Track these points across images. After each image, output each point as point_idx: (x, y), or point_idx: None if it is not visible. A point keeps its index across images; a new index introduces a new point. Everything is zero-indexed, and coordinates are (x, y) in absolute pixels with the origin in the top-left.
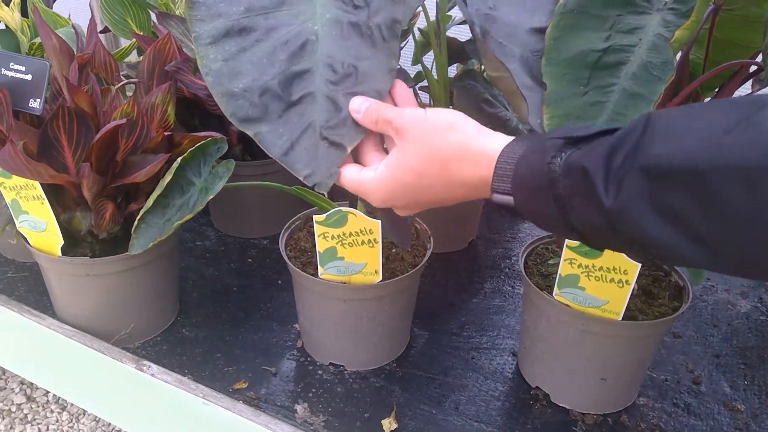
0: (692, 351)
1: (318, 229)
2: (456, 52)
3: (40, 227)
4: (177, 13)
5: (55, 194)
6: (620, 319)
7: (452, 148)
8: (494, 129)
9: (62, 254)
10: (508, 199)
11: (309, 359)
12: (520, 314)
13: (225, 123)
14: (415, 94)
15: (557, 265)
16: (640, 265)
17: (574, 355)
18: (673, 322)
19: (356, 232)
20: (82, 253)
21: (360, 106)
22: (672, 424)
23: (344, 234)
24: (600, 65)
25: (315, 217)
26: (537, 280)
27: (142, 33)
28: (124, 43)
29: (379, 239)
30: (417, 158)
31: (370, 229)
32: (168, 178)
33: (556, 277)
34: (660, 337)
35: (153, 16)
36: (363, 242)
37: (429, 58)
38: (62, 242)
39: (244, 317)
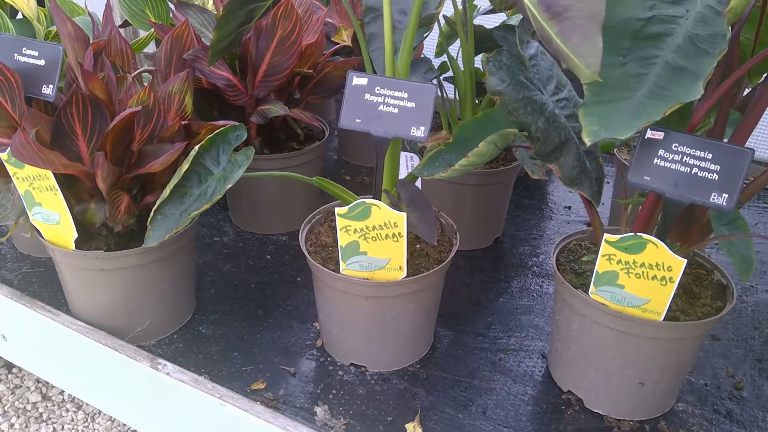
0: (732, 354)
1: (340, 222)
2: (482, 40)
3: (54, 220)
4: (196, 2)
5: (68, 185)
6: (662, 319)
7: None
8: (530, 114)
9: (76, 248)
10: None
11: (329, 359)
12: (551, 314)
13: (245, 115)
14: (440, 86)
15: (591, 262)
16: (685, 261)
17: (611, 358)
18: (716, 322)
19: (380, 226)
20: (96, 246)
21: None
22: (713, 431)
23: (367, 227)
24: (642, 35)
25: (337, 210)
26: (570, 277)
27: (149, 21)
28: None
29: (405, 233)
30: None
31: (394, 222)
32: (185, 166)
33: (590, 275)
34: (702, 339)
35: (172, 8)
36: (387, 236)
37: (453, 49)
38: (76, 235)
39: (262, 315)
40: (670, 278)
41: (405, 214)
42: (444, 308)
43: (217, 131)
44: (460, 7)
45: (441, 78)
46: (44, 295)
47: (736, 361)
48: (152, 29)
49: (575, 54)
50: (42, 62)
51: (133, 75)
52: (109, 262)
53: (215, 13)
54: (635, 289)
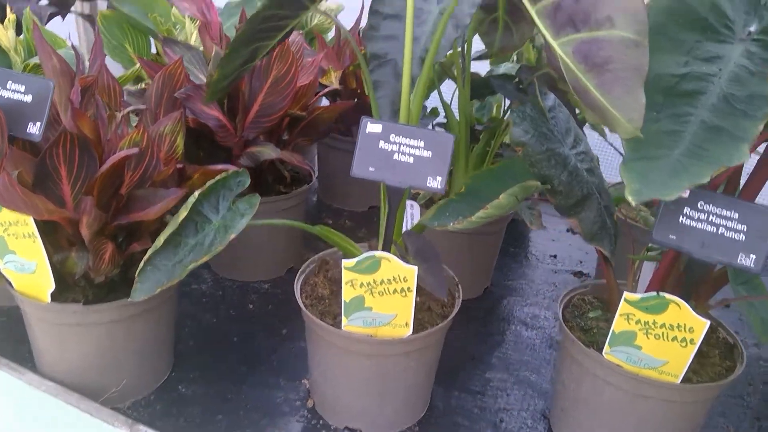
0: (731, 412)
1: (346, 276)
2: (477, 87)
3: (29, 269)
4: (180, 39)
5: (46, 232)
6: (679, 382)
7: None
8: (553, 167)
9: (51, 300)
10: None
11: (321, 422)
12: (549, 370)
13: (233, 155)
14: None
15: (599, 318)
16: (708, 322)
17: (623, 421)
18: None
19: (388, 280)
20: (73, 298)
21: None
22: None
23: (375, 282)
24: (676, 92)
25: (344, 263)
26: (578, 335)
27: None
28: (117, 70)
29: (414, 288)
30: None
31: (404, 277)
32: (183, 214)
33: (598, 332)
34: (715, 399)
35: (153, 43)
36: (395, 291)
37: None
38: (53, 287)
39: (246, 371)
40: (691, 340)
41: (416, 268)
42: (440, 363)
43: (219, 178)
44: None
45: (433, 124)
46: (6, 349)
47: (735, 419)
48: (137, 65)
49: (615, 108)
50: (28, 98)
51: (122, 113)
52: (87, 316)
53: (201, 49)
54: (654, 351)
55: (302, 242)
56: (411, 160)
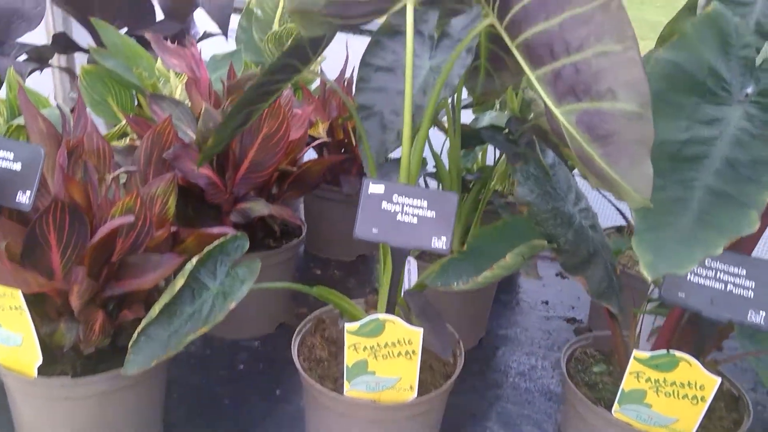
0: None
1: (349, 340)
2: (466, 137)
3: (14, 342)
4: (165, 93)
5: (33, 302)
6: None
7: None
8: (559, 226)
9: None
10: None
11: None
12: (552, 425)
13: (221, 214)
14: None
15: (603, 373)
16: (719, 379)
17: None
18: None
19: (393, 343)
20: (60, 371)
21: None
22: None
23: (378, 345)
24: (680, 157)
25: (347, 327)
26: (584, 391)
27: (124, 114)
28: (100, 125)
29: (419, 350)
30: None
31: (409, 339)
32: (180, 282)
33: (603, 387)
34: None
35: (137, 96)
36: (399, 354)
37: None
38: (40, 360)
39: None
40: (702, 397)
41: (421, 330)
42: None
43: (217, 243)
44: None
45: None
46: None
47: None
48: (122, 121)
49: (623, 179)
50: (18, 166)
51: (112, 176)
52: (76, 390)
53: (188, 104)
54: (664, 409)
55: (292, 296)
56: (415, 220)
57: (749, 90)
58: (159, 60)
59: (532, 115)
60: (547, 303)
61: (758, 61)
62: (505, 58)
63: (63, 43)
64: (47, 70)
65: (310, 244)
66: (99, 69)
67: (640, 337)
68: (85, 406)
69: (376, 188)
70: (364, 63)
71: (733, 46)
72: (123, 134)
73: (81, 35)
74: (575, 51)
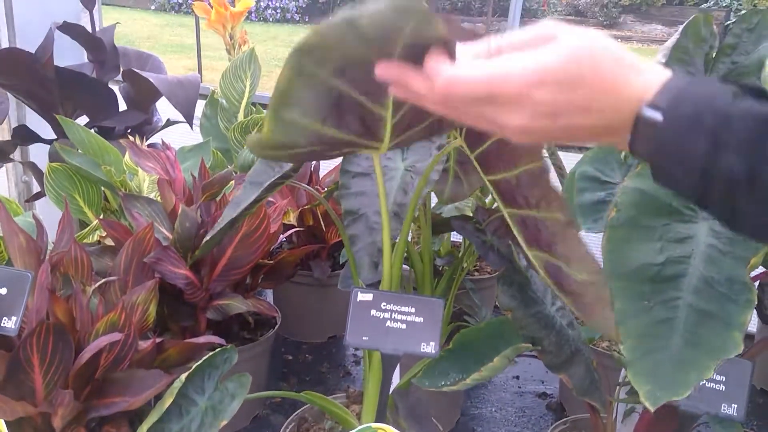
0: None
1: None
2: (436, 225)
3: None
4: (134, 189)
5: (12, 425)
6: None
7: (615, 55)
8: (542, 329)
9: None
10: (654, 118)
11: None
12: None
13: (196, 311)
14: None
15: None
16: None
17: None
18: None
19: None
20: None
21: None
22: None
23: None
24: (659, 278)
25: None
26: None
27: (91, 210)
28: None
29: None
30: (571, 53)
31: None
32: (168, 401)
33: None
34: None
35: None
36: None
37: None
38: None
39: None
40: None
41: None
42: None
43: (206, 358)
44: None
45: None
46: None
47: None
48: (93, 221)
49: (589, 323)
50: (3, 291)
51: (93, 288)
52: None
53: (162, 203)
54: None
55: (266, 386)
56: (404, 326)
57: None
58: (127, 155)
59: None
60: (518, 378)
61: None
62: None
63: (24, 136)
64: None
65: (281, 328)
66: (65, 166)
67: (616, 420)
68: None
69: (364, 296)
70: (343, 171)
71: None
72: (91, 232)
73: (38, 126)
74: (534, 207)
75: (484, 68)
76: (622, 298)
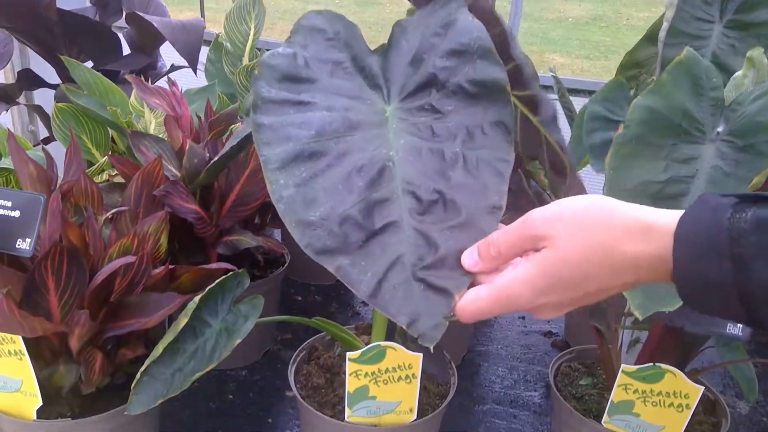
0: None
1: (350, 367)
2: None
3: (12, 387)
4: (139, 128)
5: (29, 346)
6: None
7: (617, 228)
8: None
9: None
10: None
11: None
12: None
13: (206, 246)
14: None
15: (591, 385)
16: (702, 388)
17: None
18: None
19: (393, 368)
20: (58, 412)
21: (472, 258)
22: None
23: (379, 371)
24: (662, 196)
25: (349, 355)
26: (573, 404)
27: (99, 151)
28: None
29: (419, 374)
30: (575, 249)
31: (409, 364)
32: (183, 321)
33: (590, 399)
34: None
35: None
36: (399, 378)
37: None
38: (41, 403)
39: None
40: (687, 405)
41: (421, 355)
42: None
43: (219, 281)
44: None
45: None
46: None
47: None
48: (102, 158)
49: None
50: (16, 213)
51: (105, 217)
52: (76, 431)
53: (169, 142)
54: (651, 417)
55: (276, 323)
56: None
57: (720, 128)
58: (132, 95)
59: None
60: (523, 318)
61: (727, 101)
62: None
63: (29, 80)
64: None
65: (289, 269)
66: (71, 106)
67: (621, 350)
68: None
69: None
70: None
71: (703, 88)
72: (100, 170)
73: (42, 70)
74: None
75: (489, 299)
76: None
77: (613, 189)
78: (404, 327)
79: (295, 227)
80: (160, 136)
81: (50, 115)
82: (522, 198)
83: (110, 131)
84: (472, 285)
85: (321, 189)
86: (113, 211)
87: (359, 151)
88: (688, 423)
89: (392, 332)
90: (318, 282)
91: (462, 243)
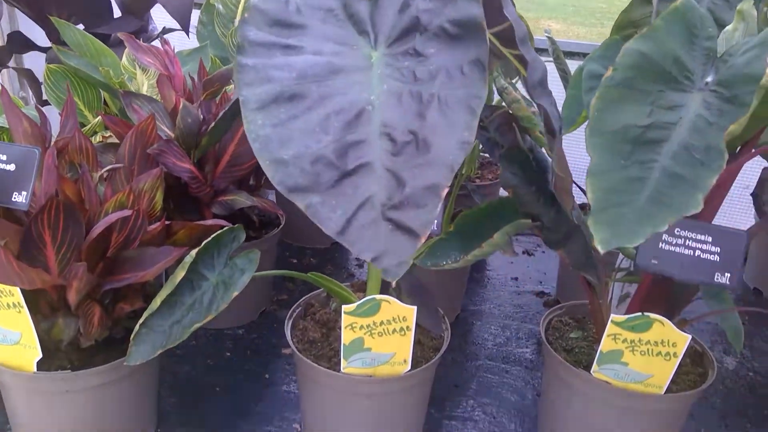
0: (698, 413)
1: (346, 320)
2: None
3: (12, 340)
4: (131, 89)
5: (28, 299)
6: (663, 392)
7: None
8: (542, 206)
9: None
10: None
11: None
12: (530, 391)
13: (201, 205)
14: None
15: (579, 339)
16: (690, 336)
17: None
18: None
19: (388, 321)
20: (58, 365)
21: None
22: None
23: (374, 323)
24: (642, 140)
25: (344, 308)
26: (563, 356)
27: (91, 113)
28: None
29: (413, 326)
30: None
31: (403, 317)
32: (181, 274)
33: (580, 351)
34: (692, 404)
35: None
36: (394, 330)
37: None
38: (40, 355)
39: (235, 421)
40: (674, 353)
41: (415, 308)
42: None
43: (215, 235)
44: None
45: None
46: None
47: (704, 421)
48: (96, 118)
49: None
50: (12, 167)
51: (99, 174)
52: (77, 382)
53: (162, 102)
54: (640, 366)
55: (272, 284)
56: None
57: (709, 79)
58: (124, 57)
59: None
60: (516, 279)
61: (719, 51)
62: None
63: (19, 43)
64: None
65: (284, 233)
66: (63, 68)
67: (611, 303)
68: (84, 398)
69: None
70: None
71: (697, 36)
72: (92, 132)
73: (32, 34)
74: None
75: None
76: (600, 154)
77: (595, 131)
78: (371, 262)
79: (269, 165)
80: (158, 98)
81: (41, 78)
82: (516, 152)
83: (102, 94)
84: None
85: (297, 130)
86: (108, 168)
87: (340, 95)
88: (676, 373)
89: (387, 287)
90: (313, 245)
91: (429, 180)
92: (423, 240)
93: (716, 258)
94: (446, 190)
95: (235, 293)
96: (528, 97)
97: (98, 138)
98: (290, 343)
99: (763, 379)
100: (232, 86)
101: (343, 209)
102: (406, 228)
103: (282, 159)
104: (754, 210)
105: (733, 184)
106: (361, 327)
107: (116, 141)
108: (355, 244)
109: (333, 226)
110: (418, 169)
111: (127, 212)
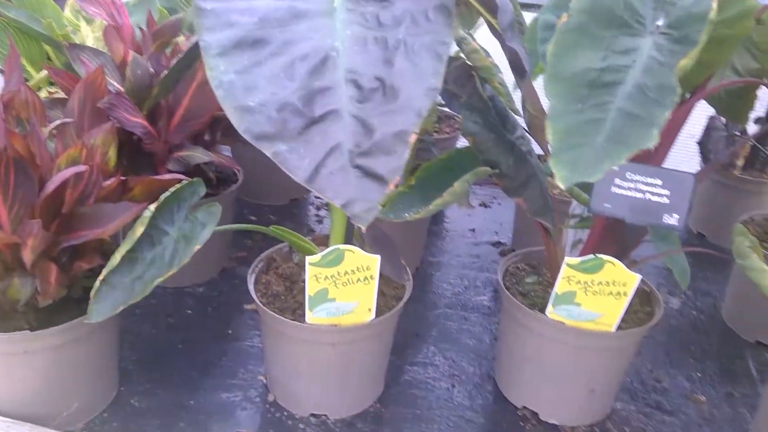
0: (644, 351)
1: (310, 271)
2: None
3: None
4: (76, 41)
5: None
6: (613, 330)
7: None
8: (501, 153)
9: None
10: None
11: (286, 413)
12: (488, 335)
13: (155, 162)
14: None
15: (535, 283)
16: (639, 276)
17: (566, 372)
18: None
19: (352, 270)
20: (15, 326)
21: None
22: (652, 424)
23: (338, 273)
24: (598, 83)
25: (309, 259)
26: (520, 299)
27: (35, 69)
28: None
29: (376, 275)
30: None
31: (367, 266)
32: (140, 229)
33: (535, 295)
34: (640, 341)
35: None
36: (358, 280)
37: None
38: None
39: (198, 377)
40: (624, 293)
41: (379, 256)
42: None
43: (174, 189)
44: None
45: None
46: None
47: (650, 356)
48: (41, 72)
49: None
50: None
51: (49, 128)
52: (35, 343)
53: (109, 54)
54: (592, 306)
55: (231, 242)
56: None
57: (660, 22)
58: (67, 8)
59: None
60: (473, 230)
61: None
62: None
63: None
64: None
65: (243, 190)
66: (3, 20)
67: (565, 249)
68: (43, 359)
69: None
70: None
71: None
72: (37, 88)
73: None
74: None
75: None
76: (558, 99)
77: (553, 76)
78: (341, 208)
79: (234, 112)
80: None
81: None
82: (477, 101)
83: (45, 48)
84: None
85: (262, 76)
86: (57, 122)
87: (304, 41)
88: (626, 313)
89: (350, 237)
90: (272, 202)
91: (397, 126)
92: (392, 186)
93: (665, 200)
94: (414, 137)
95: (197, 247)
96: (484, 48)
97: (44, 93)
98: (254, 297)
99: (705, 317)
100: (183, 38)
101: (311, 157)
102: (375, 174)
103: (248, 106)
104: (700, 158)
105: (680, 133)
106: (326, 278)
107: (63, 96)
108: (325, 191)
109: (302, 173)
110: (386, 116)
111: (81, 168)
